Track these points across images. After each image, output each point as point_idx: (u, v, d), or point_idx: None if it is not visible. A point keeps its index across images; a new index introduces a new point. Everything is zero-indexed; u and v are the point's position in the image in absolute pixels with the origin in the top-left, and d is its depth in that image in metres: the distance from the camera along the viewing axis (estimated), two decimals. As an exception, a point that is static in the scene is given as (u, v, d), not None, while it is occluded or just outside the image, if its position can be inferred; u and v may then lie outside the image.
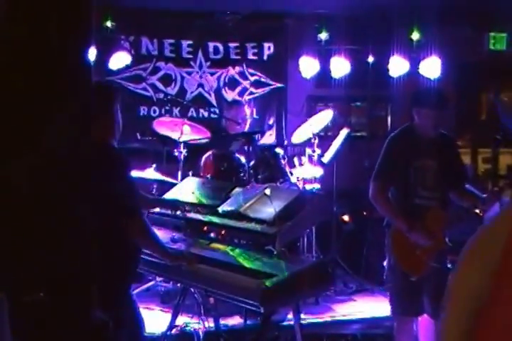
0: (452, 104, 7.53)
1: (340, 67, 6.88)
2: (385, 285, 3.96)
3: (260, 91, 7.10)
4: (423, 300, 3.69)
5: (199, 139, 5.48)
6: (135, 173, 4.99)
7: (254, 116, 6.97)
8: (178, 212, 3.81)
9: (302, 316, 3.99)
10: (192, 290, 4.31)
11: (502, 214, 1.29)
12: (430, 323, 3.73)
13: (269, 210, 3.48)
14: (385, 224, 3.83)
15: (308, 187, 5.49)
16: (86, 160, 2.49)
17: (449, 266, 3.74)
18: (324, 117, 5.90)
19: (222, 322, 4.38)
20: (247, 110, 5.95)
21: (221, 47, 6.94)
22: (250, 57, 7.04)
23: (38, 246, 2.34)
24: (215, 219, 3.73)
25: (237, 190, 3.94)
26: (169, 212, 3.86)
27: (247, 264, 3.23)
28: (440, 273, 3.66)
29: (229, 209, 3.73)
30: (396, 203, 3.73)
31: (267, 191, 3.52)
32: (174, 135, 5.45)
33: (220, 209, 3.76)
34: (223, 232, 3.65)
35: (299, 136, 5.84)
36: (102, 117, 3.12)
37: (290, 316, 4.52)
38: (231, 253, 3.41)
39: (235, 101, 6.69)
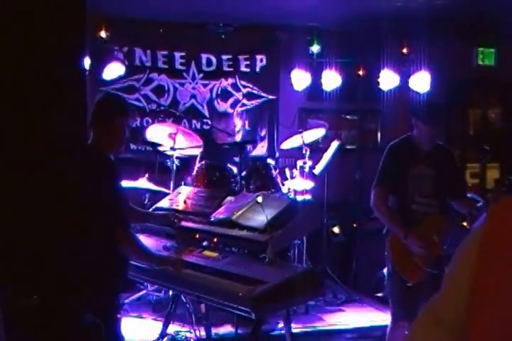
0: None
1: (331, 80, 6.95)
2: (385, 290, 4.00)
3: (252, 103, 7.16)
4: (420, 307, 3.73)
5: (191, 147, 5.53)
6: (128, 183, 5.02)
7: (246, 127, 7.04)
8: (170, 223, 3.83)
9: (292, 325, 4.00)
10: (183, 299, 4.32)
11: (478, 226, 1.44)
12: None
13: (260, 218, 3.51)
14: (384, 232, 3.91)
15: (299, 198, 5.53)
16: (76, 164, 2.52)
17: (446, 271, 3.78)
18: (316, 133, 5.97)
19: (213, 331, 4.38)
20: (238, 121, 6.00)
21: (214, 59, 7.00)
22: (243, 69, 7.10)
23: (31, 251, 2.36)
24: (207, 227, 3.76)
25: (229, 198, 3.98)
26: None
27: (238, 271, 3.25)
28: (438, 280, 3.70)
29: (221, 217, 3.76)
30: (394, 209, 3.82)
31: (259, 199, 3.55)
32: (167, 143, 5.50)
33: (212, 218, 3.79)
34: (215, 240, 3.68)
35: (289, 143, 5.91)
36: (103, 127, 3.16)
37: (280, 325, 4.54)
38: (223, 260, 3.43)
39: (224, 113, 6.75)
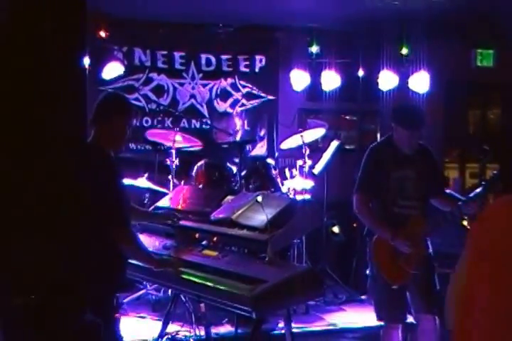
0: (440, 119, 7.68)
1: (330, 80, 6.96)
2: (368, 293, 3.97)
3: (252, 103, 7.17)
4: (417, 303, 3.74)
5: (191, 147, 5.54)
6: (128, 181, 5.02)
7: (246, 127, 7.05)
8: (169, 222, 3.83)
9: (293, 325, 3.99)
10: (183, 298, 4.32)
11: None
12: (429, 321, 3.74)
13: (260, 217, 3.50)
14: (365, 233, 3.88)
15: (299, 198, 5.54)
16: (77, 163, 2.52)
17: (435, 264, 3.81)
18: (316, 132, 5.99)
19: (213, 330, 4.38)
20: (238, 121, 6.01)
21: (213, 59, 7.01)
22: (242, 69, 7.12)
23: (29, 249, 2.36)
24: (207, 227, 3.75)
25: (229, 197, 3.97)
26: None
27: (238, 270, 3.24)
28: (422, 281, 3.71)
29: (221, 216, 3.75)
30: (377, 213, 3.80)
31: (259, 198, 3.54)
32: (166, 144, 5.52)
33: (212, 217, 3.78)
34: (215, 239, 3.68)
35: (288, 143, 5.91)
36: (104, 125, 3.16)
37: (280, 325, 4.54)
38: (223, 259, 3.43)
39: (225, 113, 6.77)
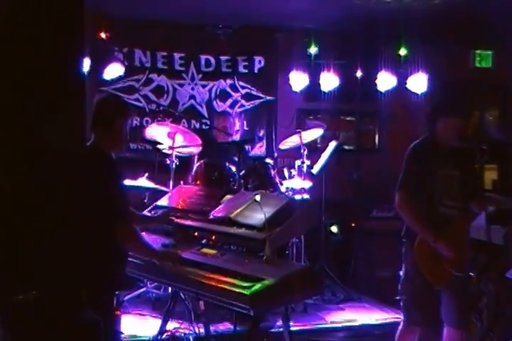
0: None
1: (329, 81, 6.99)
2: (399, 295, 3.90)
3: (251, 103, 7.21)
4: (443, 312, 3.70)
5: (190, 146, 5.58)
6: (127, 182, 5.05)
7: (245, 127, 7.09)
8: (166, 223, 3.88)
9: (291, 324, 4.02)
10: (183, 296, 4.36)
11: None
12: (455, 334, 3.71)
13: (259, 216, 3.54)
14: (403, 233, 3.83)
15: (297, 197, 5.57)
16: (78, 162, 2.55)
17: (471, 274, 3.76)
18: (314, 133, 6.02)
19: (212, 328, 4.42)
20: (237, 122, 6.04)
21: (213, 60, 7.05)
22: (241, 70, 7.16)
23: (30, 246, 2.39)
24: (206, 225, 3.79)
25: (228, 196, 4.02)
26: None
27: (237, 269, 3.28)
28: (462, 283, 3.67)
29: (219, 215, 3.79)
30: (421, 212, 3.70)
31: (257, 197, 3.58)
32: (166, 142, 5.56)
33: (210, 216, 3.83)
34: (214, 238, 3.71)
35: (287, 143, 5.95)
36: (104, 128, 3.21)
37: (278, 323, 4.58)
38: (221, 257, 3.47)
39: (222, 112, 6.82)
